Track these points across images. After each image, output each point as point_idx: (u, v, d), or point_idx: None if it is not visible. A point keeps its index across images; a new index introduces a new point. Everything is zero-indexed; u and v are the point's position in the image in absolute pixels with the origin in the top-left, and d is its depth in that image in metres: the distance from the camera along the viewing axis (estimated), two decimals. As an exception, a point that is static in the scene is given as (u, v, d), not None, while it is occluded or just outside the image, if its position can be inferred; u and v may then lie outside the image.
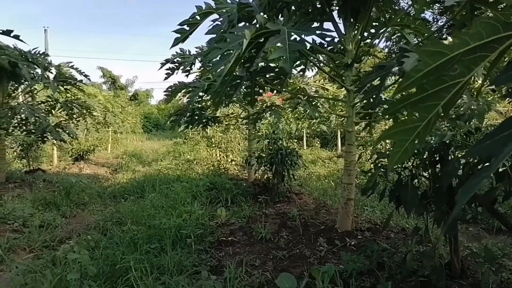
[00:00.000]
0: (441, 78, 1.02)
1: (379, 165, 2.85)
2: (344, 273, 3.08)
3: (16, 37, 6.30)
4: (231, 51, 2.98)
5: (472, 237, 4.48)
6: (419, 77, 1.03)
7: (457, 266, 2.84)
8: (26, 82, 7.21)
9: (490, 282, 2.62)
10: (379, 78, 3.26)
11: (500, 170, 2.18)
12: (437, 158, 2.62)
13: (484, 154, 0.83)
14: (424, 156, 2.59)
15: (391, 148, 1.19)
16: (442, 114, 1.08)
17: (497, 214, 2.53)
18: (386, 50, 15.14)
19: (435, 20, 14.96)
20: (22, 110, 6.88)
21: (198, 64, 6.55)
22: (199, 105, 7.20)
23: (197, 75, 7.26)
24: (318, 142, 16.83)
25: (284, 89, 5.22)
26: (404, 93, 1.11)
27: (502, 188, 2.33)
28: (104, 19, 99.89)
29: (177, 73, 6.35)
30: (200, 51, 6.17)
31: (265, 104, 7.76)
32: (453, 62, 1.00)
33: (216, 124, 8.00)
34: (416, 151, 2.61)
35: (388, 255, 3.18)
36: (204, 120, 7.37)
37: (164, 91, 6.49)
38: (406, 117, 1.14)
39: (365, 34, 4.17)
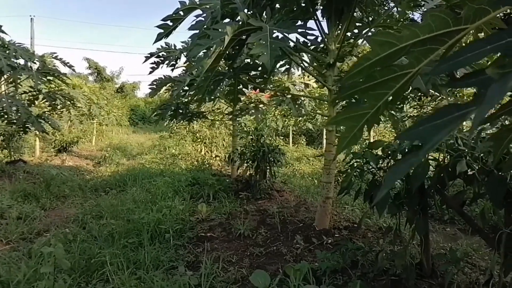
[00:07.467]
0: (391, 68, 1.04)
1: (354, 165, 2.88)
2: (318, 271, 3.12)
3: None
4: (213, 47, 2.98)
5: (449, 237, 4.56)
6: (367, 65, 1.05)
7: (428, 266, 2.90)
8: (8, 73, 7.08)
9: (456, 282, 2.68)
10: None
11: (470, 173, 2.23)
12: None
13: (415, 139, 0.85)
14: (398, 158, 2.63)
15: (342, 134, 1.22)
16: (391, 103, 1.11)
17: (465, 216, 2.58)
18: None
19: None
20: (2, 101, 6.76)
21: (183, 59, 6.52)
22: (184, 100, 7.17)
23: (183, 70, 7.23)
24: (304, 140, 16.88)
25: (268, 87, 5.24)
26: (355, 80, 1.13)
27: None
28: (93, 10, 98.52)
29: (162, 67, 6.31)
30: (185, 46, 6.14)
31: (249, 101, 7.77)
32: (402, 53, 1.01)
33: (201, 119, 7.98)
34: (390, 152, 2.65)
35: (361, 254, 3.23)
36: (188, 115, 7.34)
37: (149, 85, 6.47)
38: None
39: (348, 34, 4.20)
